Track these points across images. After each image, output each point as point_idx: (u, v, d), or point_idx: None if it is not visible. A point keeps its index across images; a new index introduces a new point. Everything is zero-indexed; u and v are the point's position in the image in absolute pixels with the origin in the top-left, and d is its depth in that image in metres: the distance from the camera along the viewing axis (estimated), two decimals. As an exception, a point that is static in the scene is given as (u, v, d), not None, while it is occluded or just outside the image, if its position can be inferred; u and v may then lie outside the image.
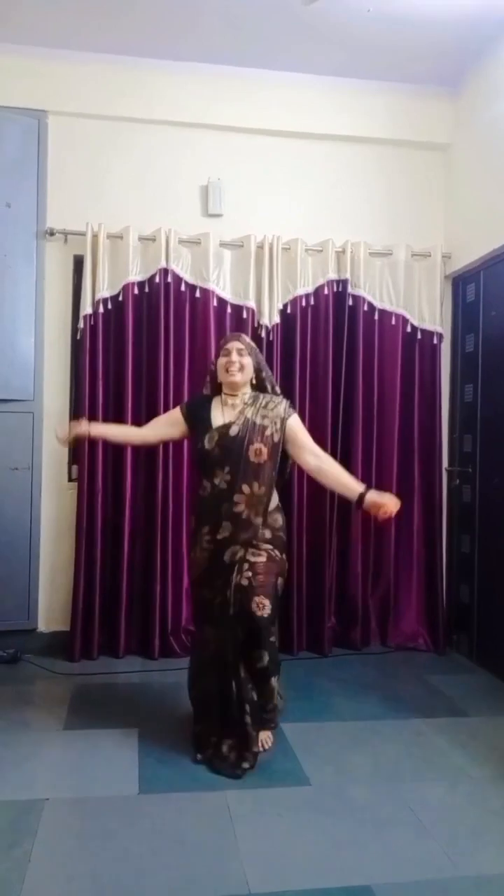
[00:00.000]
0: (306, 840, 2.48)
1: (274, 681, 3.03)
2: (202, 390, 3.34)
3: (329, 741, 3.24)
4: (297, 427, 3.14)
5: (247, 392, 3.17)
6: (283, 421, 3.10)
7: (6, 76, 4.16)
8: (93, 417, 4.13)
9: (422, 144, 4.61)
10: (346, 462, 4.37)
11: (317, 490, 4.35)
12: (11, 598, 4.17)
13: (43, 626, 4.27)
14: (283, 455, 3.13)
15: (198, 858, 2.35)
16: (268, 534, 3.07)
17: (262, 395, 3.17)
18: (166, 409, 4.11)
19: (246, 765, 2.91)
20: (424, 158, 4.64)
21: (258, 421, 3.07)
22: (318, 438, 4.26)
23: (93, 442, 4.12)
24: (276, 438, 3.07)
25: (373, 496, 3.02)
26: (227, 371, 3.11)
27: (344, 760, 3.06)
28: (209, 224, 4.36)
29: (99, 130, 4.31)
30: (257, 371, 3.19)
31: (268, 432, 3.06)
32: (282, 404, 3.15)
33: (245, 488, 3.01)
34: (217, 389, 3.22)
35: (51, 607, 4.28)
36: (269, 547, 3.06)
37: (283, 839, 2.48)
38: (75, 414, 4.25)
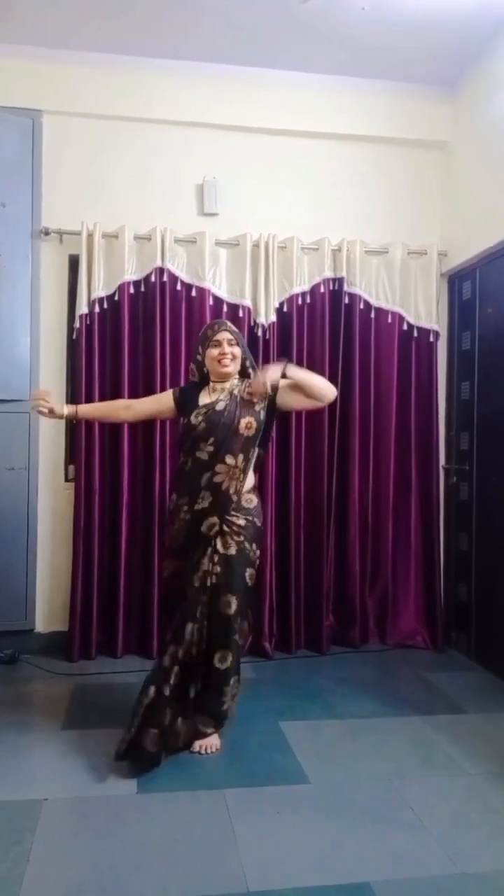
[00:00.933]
0: (305, 838, 2.47)
1: (233, 682, 3.09)
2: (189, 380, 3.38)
3: (328, 739, 3.24)
4: (295, 374, 3.10)
5: (235, 379, 3.20)
6: (274, 386, 3.09)
7: (1, 76, 4.15)
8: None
9: (418, 143, 4.61)
10: (343, 461, 4.40)
11: (315, 488, 4.36)
12: (9, 598, 4.16)
13: (41, 626, 4.26)
14: (267, 424, 3.17)
15: (196, 857, 2.35)
16: (241, 520, 3.08)
17: (246, 381, 3.21)
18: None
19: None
20: (421, 157, 4.64)
21: (245, 396, 3.11)
22: (315, 437, 4.33)
23: (89, 441, 4.13)
24: (262, 414, 3.12)
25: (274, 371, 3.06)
26: (219, 363, 3.13)
27: (342, 758, 3.06)
28: (205, 223, 4.35)
29: (94, 130, 4.30)
30: (243, 358, 3.22)
31: (258, 407, 3.11)
32: (270, 369, 3.13)
33: (228, 459, 3.04)
34: (205, 379, 3.23)
35: (48, 607, 4.27)
36: (241, 539, 3.07)
37: (281, 837, 2.48)
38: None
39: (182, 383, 4.20)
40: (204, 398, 3.17)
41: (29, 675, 3.95)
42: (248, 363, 3.25)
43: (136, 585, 4.23)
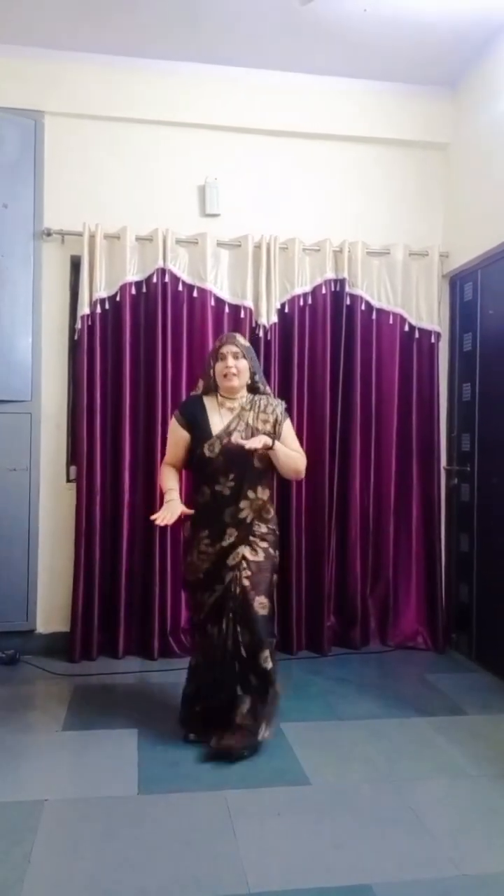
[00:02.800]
0: (306, 839, 2.47)
1: (278, 684, 3.10)
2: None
3: (328, 740, 3.24)
4: (287, 431, 3.20)
5: (243, 395, 3.19)
6: (278, 424, 3.16)
7: (2, 77, 4.15)
8: (91, 417, 4.14)
9: (420, 144, 4.61)
10: (345, 462, 4.40)
11: (316, 490, 4.36)
12: (10, 599, 4.16)
13: (42, 626, 4.26)
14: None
15: (197, 858, 2.35)
16: (263, 528, 3.15)
17: (257, 398, 3.20)
18: (164, 409, 4.13)
19: (246, 753, 2.98)
20: (422, 158, 4.64)
21: (259, 426, 3.11)
22: (317, 438, 4.33)
23: (90, 441, 4.14)
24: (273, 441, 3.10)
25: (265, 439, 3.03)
26: (225, 377, 3.13)
27: (343, 759, 3.06)
28: (206, 224, 4.35)
29: (96, 131, 4.31)
30: (251, 372, 3.21)
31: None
32: (279, 407, 3.22)
33: (250, 494, 3.09)
34: (209, 390, 3.22)
35: (50, 608, 4.27)
36: (265, 545, 3.13)
37: (282, 839, 2.47)
38: (73, 415, 4.26)
39: (183, 385, 4.22)
40: (214, 420, 3.13)
41: (30, 675, 3.95)
42: (256, 377, 3.25)
43: (137, 586, 4.23)
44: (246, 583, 3.04)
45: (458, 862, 2.35)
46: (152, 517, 3.07)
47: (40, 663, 4.06)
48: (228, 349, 3.15)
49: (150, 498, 4.17)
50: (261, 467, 3.11)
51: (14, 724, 3.34)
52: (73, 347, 4.26)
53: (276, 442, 3.08)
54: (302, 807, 2.67)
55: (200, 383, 3.29)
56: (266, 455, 3.08)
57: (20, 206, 4.14)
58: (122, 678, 3.93)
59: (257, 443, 2.98)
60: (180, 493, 3.21)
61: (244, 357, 3.17)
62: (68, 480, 4.33)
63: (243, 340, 3.27)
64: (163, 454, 4.11)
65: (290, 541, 4.29)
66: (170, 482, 3.20)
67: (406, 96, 4.53)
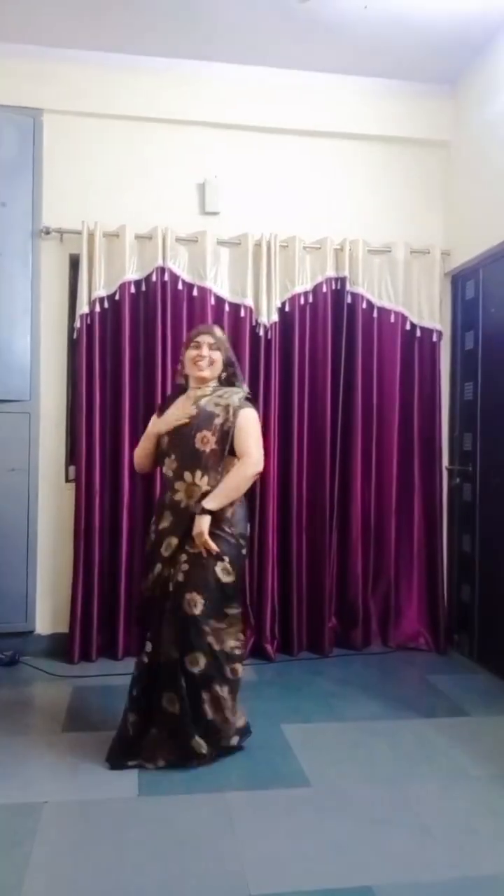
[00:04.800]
0: (307, 841, 2.45)
1: (218, 689, 2.92)
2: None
3: (329, 742, 3.22)
4: (242, 423, 2.97)
5: (212, 385, 3.08)
6: (235, 411, 2.96)
7: (0, 75, 4.14)
8: (90, 417, 4.13)
9: (420, 142, 4.59)
10: (346, 462, 4.38)
11: (317, 490, 4.34)
12: (9, 599, 4.14)
13: (41, 628, 4.25)
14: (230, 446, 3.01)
15: (197, 860, 2.33)
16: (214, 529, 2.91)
17: (223, 388, 3.08)
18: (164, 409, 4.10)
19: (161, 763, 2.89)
20: (423, 155, 4.62)
21: (209, 408, 2.98)
22: (318, 437, 4.31)
23: (90, 442, 4.12)
24: (226, 427, 2.95)
25: (199, 522, 2.86)
26: (194, 364, 3.03)
27: (344, 761, 3.04)
28: (206, 222, 4.34)
29: (94, 128, 4.29)
30: (227, 366, 3.10)
31: (217, 420, 2.95)
32: (237, 394, 3.04)
33: (187, 476, 2.94)
34: (184, 380, 3.13)
35: (49, 609, 4.25)
36: (213, 542, 2.90)
37: (283, 840, 2.46)
38: (72, 414, 4.24)
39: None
40: (178, 405, 3.06)
41: (29, 676, 3.94)
42: (232, 370, 3.12)
43: (136, 587, 4.19)
44: (180, 578, 2.88)
45: (459, 863, 2.34)
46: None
47: (40, 664, 4.05)
48: (204, 339, 3.04)
49: (150, 497, 4.15)
50: (203, 451, 2.93)
51: (13, 725, 3.32)
52: (72, 347, 4.24)
53: (205, 509, 2.85)
54: (303, 808, 2.65)
55: (180, 375, 3.18)
56: (211, 439, 2.92)
57: (18, 204, 4.12)
58: (121, 679, 3.88)
59: (202, 526, 2.84)
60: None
61: (219, 349, 3.05)
62: (67, 480, 4.32)
63: (221, 333, 3.17)
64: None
65: (291, 541, 4.29)
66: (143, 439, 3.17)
67: (407, 94, 4.51)
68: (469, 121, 4.38)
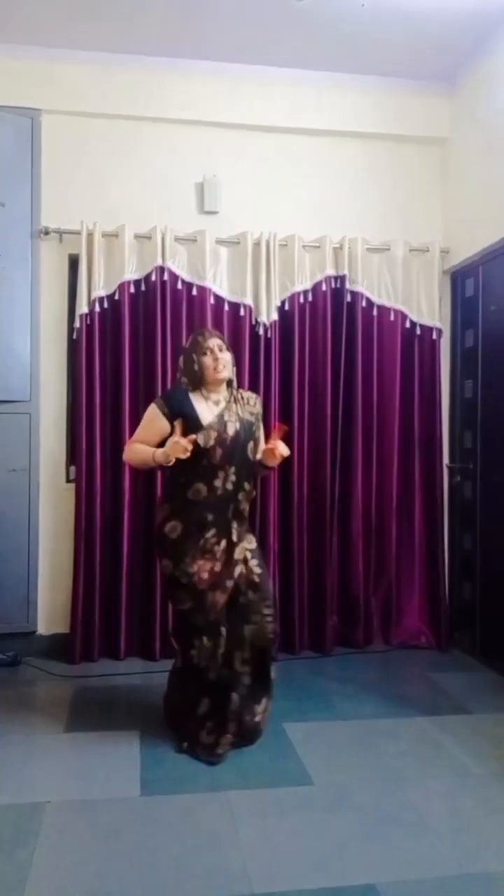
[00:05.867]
0: (310, 839, 2.46)
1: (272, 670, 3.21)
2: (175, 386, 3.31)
3: (332, 740, 3.22)
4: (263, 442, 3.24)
5: (225, 389, 3.19)
6: (259, 416, 3.24)
7: (-1, 75, 4.15)
8: (90, 417, 4.13)
9: (419, 139, 4.59)
10: (347, 460, 4.38)
11: (318, 488, 4.34)
12: (11, 600, 4.14)
13: (43, 628, 4.25)
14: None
15: (200, 859, 2.34)
16: (245, 524, 3.22)
17: (238, 391, 3.26)
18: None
19: (219, 758, 3.00)
20: (422, 153, 4.62)
21: (247, 417, 3.17)
22: (318, 436, 4.31)
23: (90, 442, 4.12)
24: (258, 434, 3.23)
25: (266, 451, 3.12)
26: (215, 370, 3.08)
27: (347, 759, 3.04)
28: (205, 221, 4.33)
29: (93, 128, 4.29)
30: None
31: (254, 428, 3.20)
32: (258, 400, 3.30)
33: (246, 486, 3.15)
34: (194, 385, 3.13)
35: (50, 609, 4.26)
36: (254, 546, 3.22)
37: (286, 839, 2.46)
38: (73, 415, 4.24)
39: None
40: (203, 412, 3.07)
41: (31, 677, 3.94)
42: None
43: (137, 587, 4.21)
44: (259, 570, 3.14)
45: (462, 861, 2.34)
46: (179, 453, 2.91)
47: (41, 665, 4.05)
48: (214, 342, 3.12)
49: (150, 497, 4.15)
50: (253, 460, 3.16)
51: (16, 726, 3.32)
52: (72, 347, 4.24)
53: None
54: (305, 807, 2.66)
55: (184, 379, 3.15)
56: (255, 448, 3.17)
57: (17, 204, 4.12)
58: (123, 679, 3.92)
59: (284, 451, 3.08)
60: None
61: (227, 350, 3.17)
62: (68, 481, 4.31)
63: (221, 335, 3.28)
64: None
65: (292, 539, 4.28)
66: (145, 448, 3.09)
67: (404, 91, 4.51)
68: (468, 118, 4.38)
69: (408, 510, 4.54)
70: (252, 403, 3.23)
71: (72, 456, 4.30)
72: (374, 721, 3.42)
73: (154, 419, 3.13)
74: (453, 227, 4.55)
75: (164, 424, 3.07)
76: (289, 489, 4.29)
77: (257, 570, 3.12)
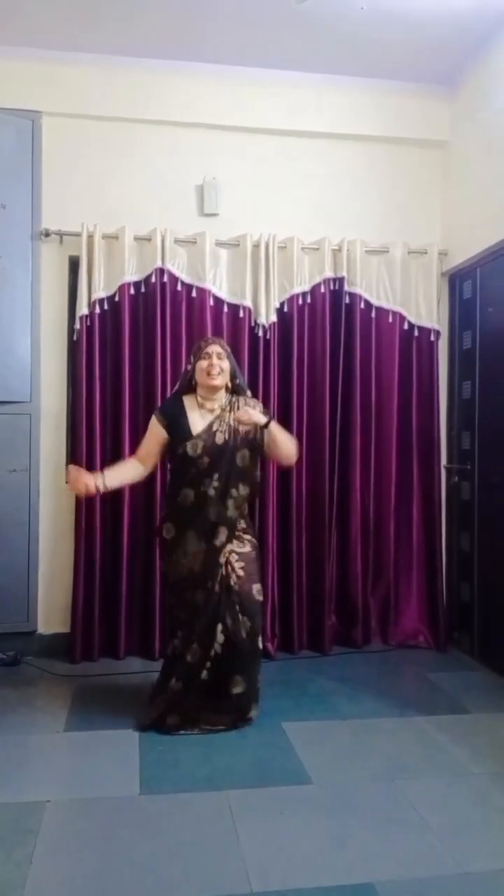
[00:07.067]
0: (308, 838, 2.47)
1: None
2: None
3: (330, 739, 3.24)
4: (275, 431, 3.28)
5: (222, 396, 3.29)
6: (261, 428, 3.24)
7: (0, 77, 4.15)
8: (90, 418, 4.14)
9: (418, 142, 4.61)
10: (345, 461, 4.40)
11: (316, 489, 4.36)
12: (11, 600, 4.15)
13: (43, 627, 4.26)
14: (255, 456, 3.35)
15: (200, 858, 2.35)
16: (243, 523, 3.31)
17: (236, 398, 3.32)
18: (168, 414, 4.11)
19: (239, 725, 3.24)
20: (421, 156, 4.64)
21: (239, 428, 3.22)
22: (317, 437, 4.33)
23: (90, 442, 4.14)
24: (256, 439, 3.27)
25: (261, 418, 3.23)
26: (208, 374, 3.22)
27: (345, 759, 3.06)
28: (205, 223, 4.35)
29: (93, 131, 4.30)
30: (232, 375, 3.33)
31: (250, 436, 3.25)
32: (258, 407, 3.34)
33: (234, 492, 3.23)
34: (189, 390, 3.32)
35: (50, 609, 4.27)
36: (248, 536, 3.31)
37: (285, 838, 2.47)
38: (73, 415, 4.25)
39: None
40: (195, 421, 3.24)
41: (31, 676, 3.95)
42: (237, 381, 3.37)
43: (137, 586, 4.22)
44: (241, 573, 3.20)
45: (460, 860, 2.35)
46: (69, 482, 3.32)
47: (42, 664, 4.06)
48: (213, 349, 3.27)
49: (151, 497, 4.17)
50: (242, 466, 3.23)
51: (16, 725, 3.34)
52: (72, 348, 4.25)
53: (273, 421, 3.28)
54: (304, 806, 2.67)
55: (179, 383, 3.39)
56: (247, 455, 3.23)
57: (18, 206, 4.13)
58: (123, 678, 3.93)
59: (259, 417, 3.18)
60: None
61: (227, 359, 3.29)
62: (68, 481, 4.32)
63: (225, 344, 3.39)
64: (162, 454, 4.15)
65: (291, 540, 4.30)
66: (114, 467, 3.43)
67: (404, 94, 4.53)
68: (466, 120, 4.39)
69: (406, 511, 4.55)
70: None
71: (72, 456, 4.31)
72: (372, 720, 3.43)
73: (152, 428, 3.38)
74: (452, 230, 4.57)
75: (162, 433, 3.31)
76: (288, 490, 4.30)
77: (240, 572, 3.20)
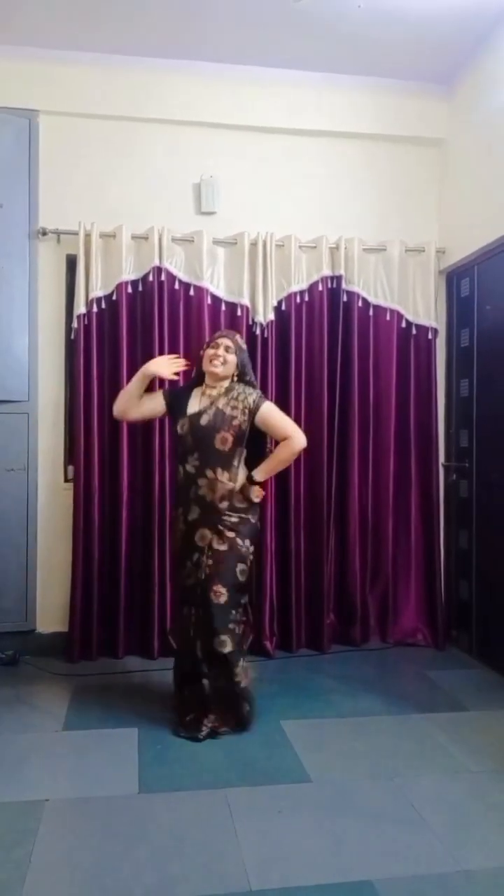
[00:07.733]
0: (307, 836, 2.47)
1: (241, 666, 3.23)
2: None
3: (329, 737, 3.24)
4: (268, 414, 3.34)
5: (225, 384, 3.36)
6: (252, 412, 3.30)
7: (-3, 76, 4.15)
8: (88, 417, 4.14)
9: (415, 140, 4.60)
10: (343, 459, 4.40)
11: (315, 487, 4.36)
12: (9, 599, 4.15)
13: (41, 627, 4.26)
14: (260, 436, 3.39)
15: (198, 856, 2.35)
16: (234, 518, 3.26)
17: (237, 386, 3.36)
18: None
19: (201, 734, 3.16)
20: (418, 154, 4.63)
21: (227, 411, 3.28)
22: (315, 435, 4.31)
23: (88, 441, 4.13)
24: (243, 427, 3.28)
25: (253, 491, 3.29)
26: (210, 362, 3.32)
27: (344, 757, 3.06)
28: (202, 222, 4.34)
29: (90, 129, 4.30)
30: (241, 372, 3.39)
31: (235, 422, 3.27)
32: (252, 395, 3.35)
33: (209, 473, 3.24)
34: (200, 379, 3.41)
35: (49, 608, 4.26)
36: (233, 535, 3.24)
37: (283, 836, 2.47)
38: (71, 414, 4.25)
39: (181, 383, 4.19)
40: (192, 404, 3.35)
41: (30, 675, 3.95)
42: (247, 379, 3.43)
43: (136, 585, 4.22)
44: (207, 570, 3.20)
45: (458, 857, 2.36)
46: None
47: (40, 663, 4.06)
48: (223, 341, 3.37)
49: (149, 497, 4.17)
50: (221, 449, 3.24)
51: (15, 724, 3.34)
52: (70, 347, 4.25)
53: (259, 476, 3.32)
54: (303, 804, 2.67)
55: (194, 372, 3.50)
56: (229, 439, 3.24)
57: (15, 205, 4.13)
58: (122, 677, 3.93)
59: (252, 497, 3.27)
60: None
61: (235, 353, 3.34)
62: (66, 480, 4.33)
63: (241, 341, 3.46)
64: (161, 454, 4.16)
65: (289, 538, 4.30)
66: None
67: (401, 92, 4.52)
68: (464, 119, 4.39)
69: (404, 509, 4.55)
70: (241, 399, 3.31)
71: (70, 455, 4.31)
72: (371, 718, 3.43)
73: (154, 395, 3.54)
74: (449, 228, 4.56)
75: (161, 403, 3.48)
76: (286, 488, 4.30)
77: (207, 570, 3.20)
